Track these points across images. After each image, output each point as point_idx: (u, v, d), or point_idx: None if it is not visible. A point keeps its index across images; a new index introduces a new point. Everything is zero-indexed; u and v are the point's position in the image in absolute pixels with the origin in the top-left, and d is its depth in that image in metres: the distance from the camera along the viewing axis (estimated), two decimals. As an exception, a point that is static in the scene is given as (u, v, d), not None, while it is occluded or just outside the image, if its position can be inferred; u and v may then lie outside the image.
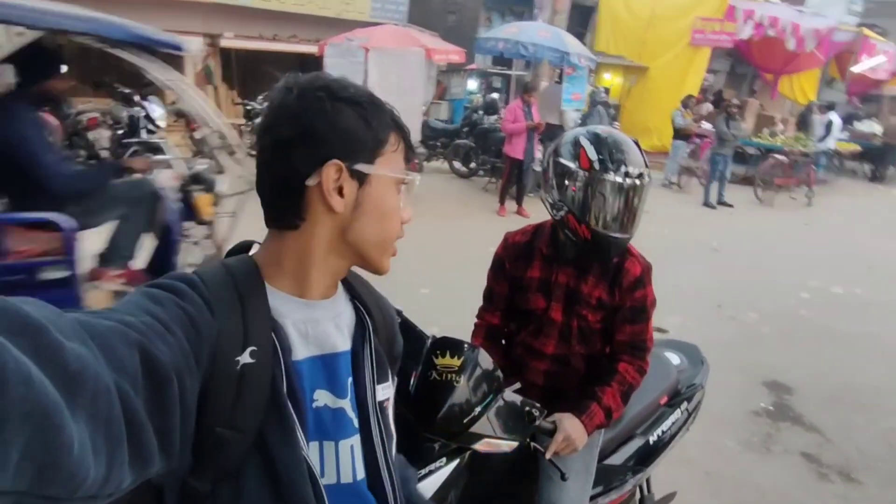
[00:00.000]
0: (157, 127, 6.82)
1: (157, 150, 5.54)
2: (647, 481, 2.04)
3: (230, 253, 0.76)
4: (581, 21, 12.98)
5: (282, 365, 0.66)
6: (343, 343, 0.76)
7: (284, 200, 0.69)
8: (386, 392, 0.80)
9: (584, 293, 1.51)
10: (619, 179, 1.38)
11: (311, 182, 0.67)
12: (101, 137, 6.41)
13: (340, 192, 0.69)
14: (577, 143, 1.43)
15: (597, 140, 1.42)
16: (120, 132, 6.58)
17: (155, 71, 2.68)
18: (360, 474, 0.75)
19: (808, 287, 5.57)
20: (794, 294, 5.37)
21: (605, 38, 12.91)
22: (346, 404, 0.74)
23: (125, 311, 0.54)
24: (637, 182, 1.39)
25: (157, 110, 6.98)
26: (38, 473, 0.36)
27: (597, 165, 1.39)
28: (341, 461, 0.73)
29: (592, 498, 1.63)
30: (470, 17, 13.72)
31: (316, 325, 0.73)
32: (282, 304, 0.70)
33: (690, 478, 2.69)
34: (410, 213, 0.77)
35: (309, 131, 0.67)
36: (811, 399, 3.56)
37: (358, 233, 0.72)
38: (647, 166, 1.43)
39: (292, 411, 0.66)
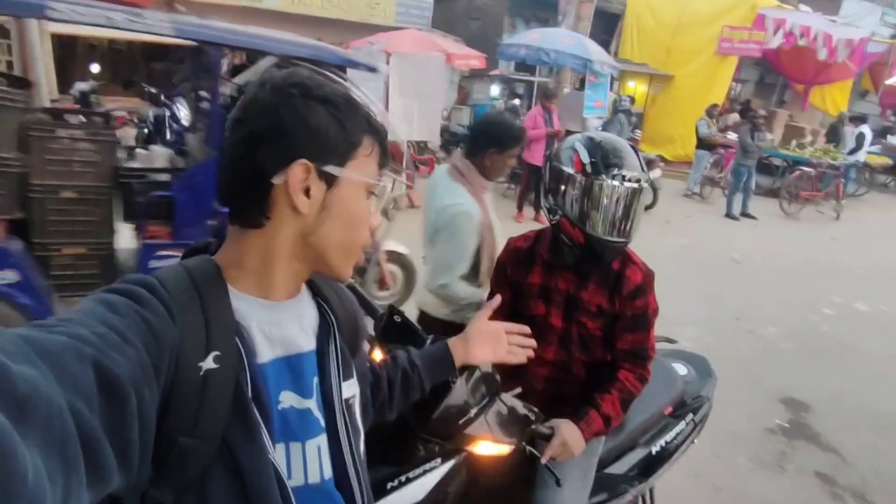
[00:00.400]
0: (182, 127, 6.97)
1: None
2: (651, 493, 2.01)
3: (188, 254, 0.72)
4: (606, 28, 12.89)
5: (246, 369, 0.65)
6: (308, 343, 0.75)
7: (249, 197, 0.67)
8: (351, 389, 0.80)
9: (584, 300, 1.50)
10: (614, 183, 1.37)
11: (277, 180, 0.65)
12: (127, 136, 6.58)
13: (307, 192, 0.67)
14: (572, 148, 1.44)
15: (591, 144, 1.42)
16: (145, 131, 6.75)
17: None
18: (328, 473, 0.74)
19: (831, 302, 5.43)
20: (816, 309, 5.24)
21: (630, 46, 12.78)
22: (312, 404, 0.73)
23: (78, 321, 0.51)
24: (633, 186, 1.39)
25: (182, 110, 7.13)
26: None
27: (589, 169, 1.39)
28: (308, 462, 0.72)
29: (592, 506, 1.61)
30: (494, 22, 13.71)
31: (280, 326, 0.71)
32: (245, 305, 0.68)
33: (697, 493, 2.64)
34: (379, 220, 0.75)
35: (278, 128, 0.65)
36: (829, 418, 3.46)
37: (322, 236, 0.70)
38: (644, 171, 1.42)
39: (258, 415, 0.64)
